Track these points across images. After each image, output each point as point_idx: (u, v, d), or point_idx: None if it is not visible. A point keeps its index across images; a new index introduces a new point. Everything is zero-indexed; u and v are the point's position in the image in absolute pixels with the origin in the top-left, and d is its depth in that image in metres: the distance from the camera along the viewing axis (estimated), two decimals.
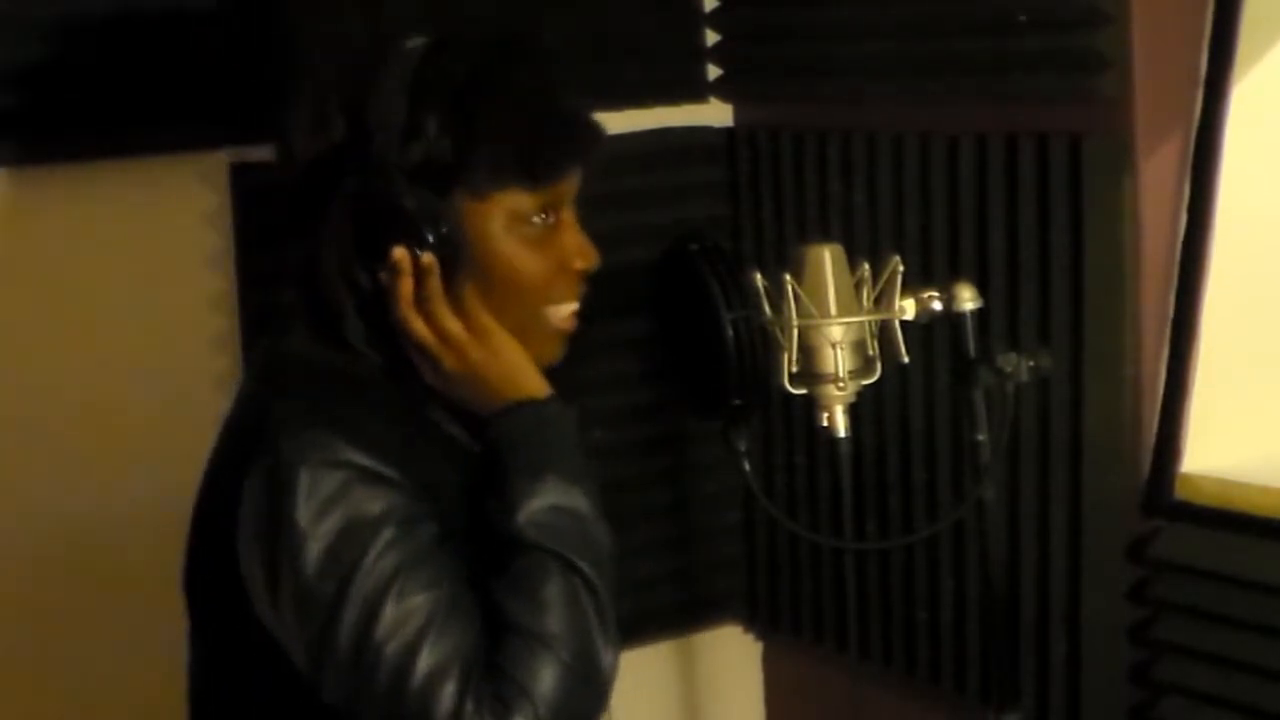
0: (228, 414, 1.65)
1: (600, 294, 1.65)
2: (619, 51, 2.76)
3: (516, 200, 1.57)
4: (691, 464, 2.90)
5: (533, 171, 1.57)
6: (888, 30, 2.56)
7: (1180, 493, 2.28)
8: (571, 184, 1.61)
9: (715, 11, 2.86)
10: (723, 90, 2.89)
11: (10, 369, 2.38)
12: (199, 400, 2.45)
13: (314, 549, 1.47)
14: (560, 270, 1.61)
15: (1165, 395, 2.28)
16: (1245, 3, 2.18)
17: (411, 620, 1.46)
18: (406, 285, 1.54)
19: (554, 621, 1.49)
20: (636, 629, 2.78)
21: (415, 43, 1.57)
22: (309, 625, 1.48)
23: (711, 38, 2.87)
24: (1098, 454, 2.33)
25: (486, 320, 1.58)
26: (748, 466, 1.99)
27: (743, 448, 1.98)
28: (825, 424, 1.94)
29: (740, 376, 1.90)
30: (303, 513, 1.47)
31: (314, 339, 1.60)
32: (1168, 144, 2.25)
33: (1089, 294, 2.30)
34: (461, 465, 1.59)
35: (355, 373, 1.58)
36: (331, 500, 1.47)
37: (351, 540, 1.47)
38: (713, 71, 2.88)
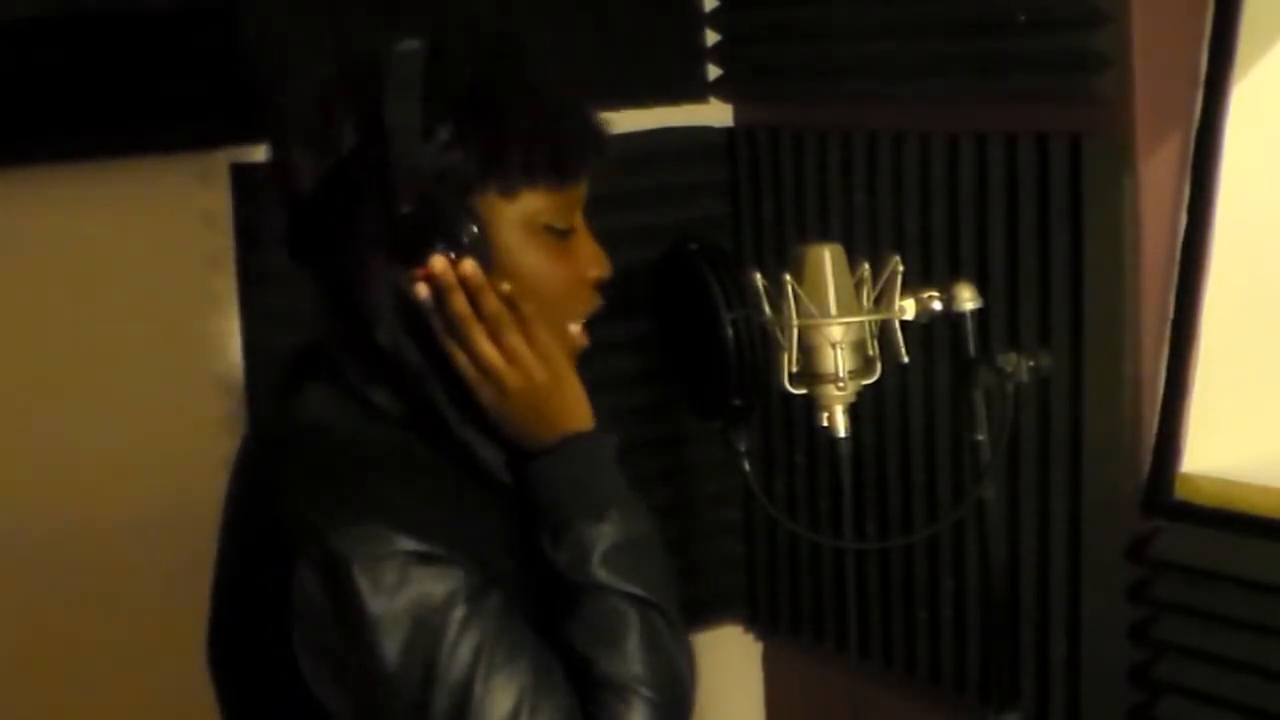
0: (238, 485, 1.59)
1: (600, 294, 1.64)
2: (619, 51, 2.76)
3: (539, 203, 1.50)
4: (691, 464, 2.90)
5: (562, 167, 1.50)
6: (888, 30, 2.56)
7: (1180, 493, 2.28)
8: (585, 187, 1.55)
9: (715, 11, 2.86)
10: (723, 90, 2.89)
11: (10, 369, 2.38)
12: (199, 400, 2.46)
13: (390, 643, 1.42)
14: (579, 281, 1.55)
15: (1165, 395, 2.28)
16: (1245, 3, 2.18)
17: (506, 697, 1.43)
18: (461, 300, 1.46)
19: (642, 665, 1.47)
20: None
21: (411, 45, 1.48)
22: (399, 715, 1.44)
23: (711, 38, 2.87)
24: (1098, 454, 2.33)
25: (548, 340, 1.50)
26: (748, 466, 1.99)
27: (743, 448, 1.98)
28: (825, 424, 1.94)
29: (740, 376, 1.90)
30: (369, 609, 1.41)
31: (336, 396, 1.52)
32: (1168, 144, 2.25)
33: (1089, 294, 2.30)
34: (499, 504, 1.53)
35: (385, 439, 1.51)
36: (394, 591, 1.42)
37: (425, 627, 1.42)
38: (713, 71, 2.88)
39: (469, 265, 1.46)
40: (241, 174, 2.48)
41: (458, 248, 1.46)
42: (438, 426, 1.53)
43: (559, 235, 1.53)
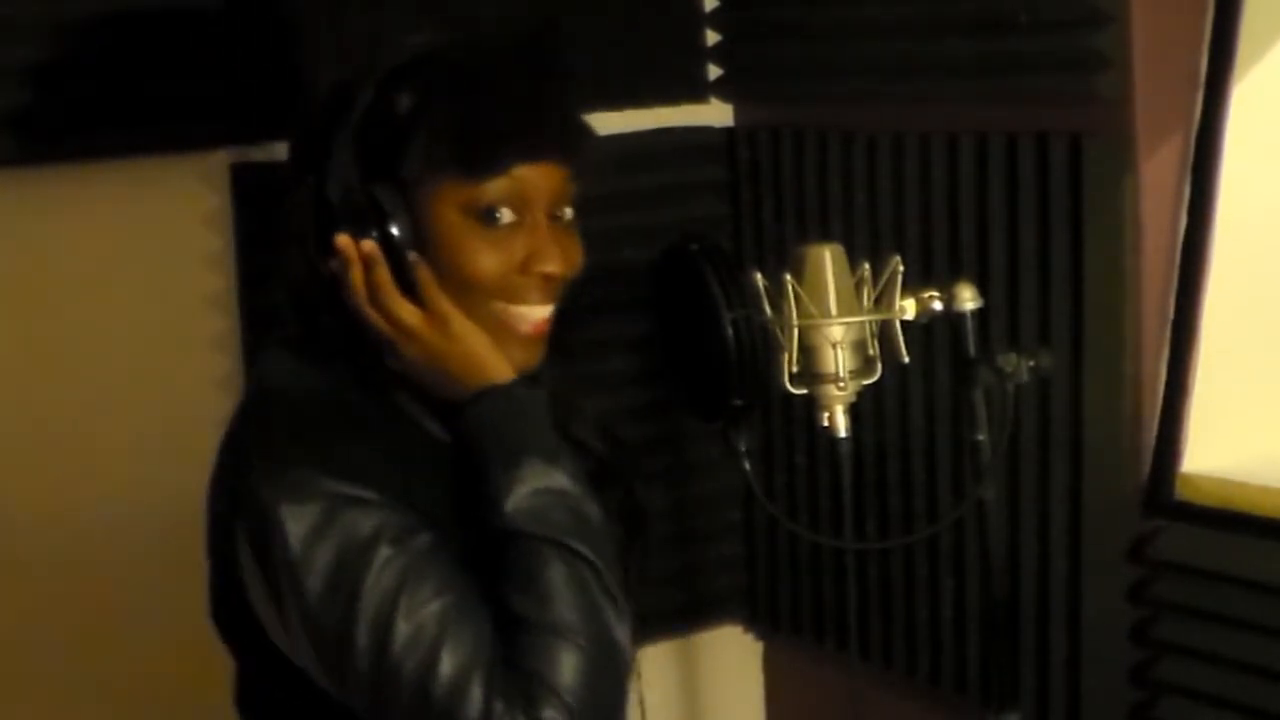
0: (219, 445, 1.65)
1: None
2: (619, 51, 2.76)
3: (465, 191, 1.55)
4: (691, 464, 2.90)
5: (467, 161, 1.55)
6: (888, 30, 2.56)
7: (1180, 493, 2.28)
8: (540, 185, 1.57)
9: (715, 11, 2.86)
10: (723, 90, 2.89)
11: (10, 369, 2.38)
12: (199, 400, 2.45)
13: (313, 581, 1.47)
14: (520, 271, 1.57)
15: (1165, 395, 2.28)
16: (1245, 3, 2.18)
17: (424, 633, 1.45)
18: (356, 274, 1.55)
19: (562, 609, 1.48)
20: (636, 629, 2.77)
21: (417, 39, 1.58)
22: (324, 654, 1.49)
23: (711, 38, 2.87)
24: (1098, 454, 2.33)
25: (445, 306, 1.56)
26: (748, 466, 1.99)
27: (743, 448, 1.98)
28: (825, 424, 1.95)
29: (740, 376, 1.90)
30: (293, 549, 1.47)
31: (292, 358, 1.61)
32: (1168, 144, 2.25)
33: (1089, 294, 2.30)
34: (443, 462, 1.57)
35: (328, 390, 1.58)
36: (318, 531, 1.47)
37: (347, 565, 1.46)
38: (713, 71, 2.88)
39: (366, 244, 1.54)
40: (241, 174, 2.48)
41: (362, 231, 1.55)
42: (387, 394, 1.60)
43: (496, 224, 1.56)
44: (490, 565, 1.51)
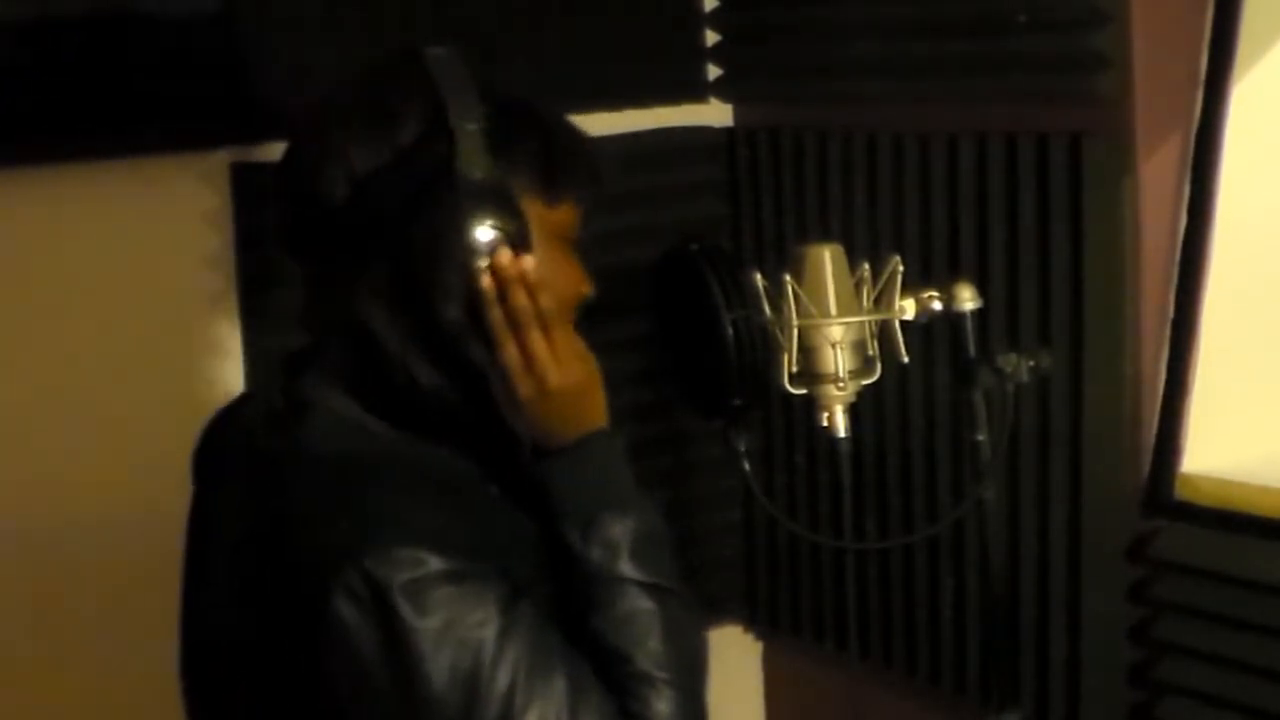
0: (218, 502, 1.60)
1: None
2: (619, 51, 2.76)
3: (569, 215, 1.56)
4: (691, 464, 2.90)
5: (595, 181, 1.57)
6: (888, 30, 2.56)
7: (1180, 493, 2.28)
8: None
9: (715, 11, 2.86)
10: (723, 90, 2.89)
11: (10, 369, 2.38)
12: (199, 400, 2.45)
13: (432, 668, 1.42)
14: (577, 295, 1.59)
15: (1165, 395, 2.28)
16: (1245, 3, 2.18)
17: (547, 704, 1.44)
18: (524, 296, 1.49)
19: (667, 655, 1.50)
20: None
21: (441, 50, 1.53)
22: None
23: (711, 38, 2.87)
24: (1098, 454, 2.33)
25: (581, 342, 1.55)
26: (748, 466, 1.99)
27: (743, 448, 1.98)
28: (825, 424, 1.95)
29: (740, 376, 1.90)
30: (410, 635, 1.42)
31: (350, 403, 1.53)
32: (1168, 144, 2.25)
33: (1089, 294, 2.30)
34: (511, 511, 1.55)
35: (397, 457, 1.52)
36: (434, 613, 1.42)
37: (466, 646, 1.43)
38: (713, 71, 2.88)
39: (529, 262, 1.50)
40: (241, 174, 2.48)
41: (515, 247, 1.49)
42: (451, 438, 1.55)
43: (571, 248, 1.58)
44: (587, 607, 1.50)
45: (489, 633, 1.43)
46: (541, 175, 1.53)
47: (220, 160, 2.48)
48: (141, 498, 2.42)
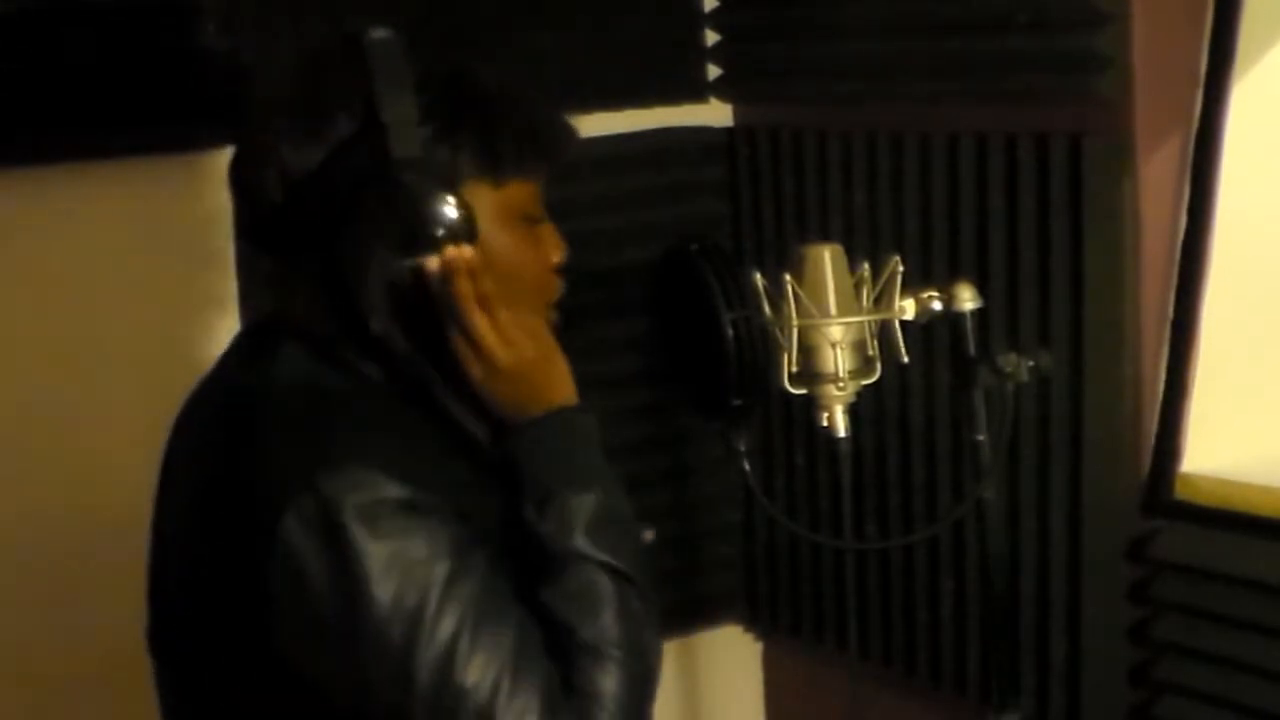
0: (184, 449, 1.62)
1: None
2: (619, 51, 2.76)
3: (522, 193, 1.58)
4: (691, 464, 2.90)
5: (548, 155, 1.58)
6: (888, 30, 2.56)
7: (1180, 493, 2.29)
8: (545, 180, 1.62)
9: (715, 11, 2.86)
10: (723, 90, 2.89)
11: (10, 369, 2.38)
12: None
13: (378, 595, 1.43)
14: (546, 267, 1.61)
15: (1165, 395, 2.28)
16: (1245, 3, 2.18)
17: (491, 656, 1.45)
18: (466, 283, 1.51)
19: (617, 633, 1.49)
20: None
21: (383, 33, 1.53)
22: (382, 674, 1.45)
23: (711, 38, 2.87)
24: (1098, 454, 2.33)
25: (536, 319, 1.57)
26: (748, 466, 1.99)
27: (743, 448, 1.98)
28: (825, 424, 1.95)
29: (740, 376, 1.90)
30: (359, 559, 1.43)
31: (312, 358, 1.55)
32: (1168, 144, 2.25)
33: (1089, 294, 2.30)
34: (484, 469, 1.56)
35: (364, 391, 1.55)
36: (384, 542, 1.43)
37: (412, 581, 1.44)
38: (713, 71, 2.88)
39: (468, 250, 1.51)
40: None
41: (455, 235, 1.50)
42: (423, 397, 1.57)
43: (531, 223, 1.60)
44: (539, 578, 1.50)
45: (439, 572, 1.44)
46: (484, 157, 1.55)
47: (220, 160, 2.47)
48: (141, 497, 2.42)
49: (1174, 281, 2.27)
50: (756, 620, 3.01)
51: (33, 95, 2.31)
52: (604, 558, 1.51)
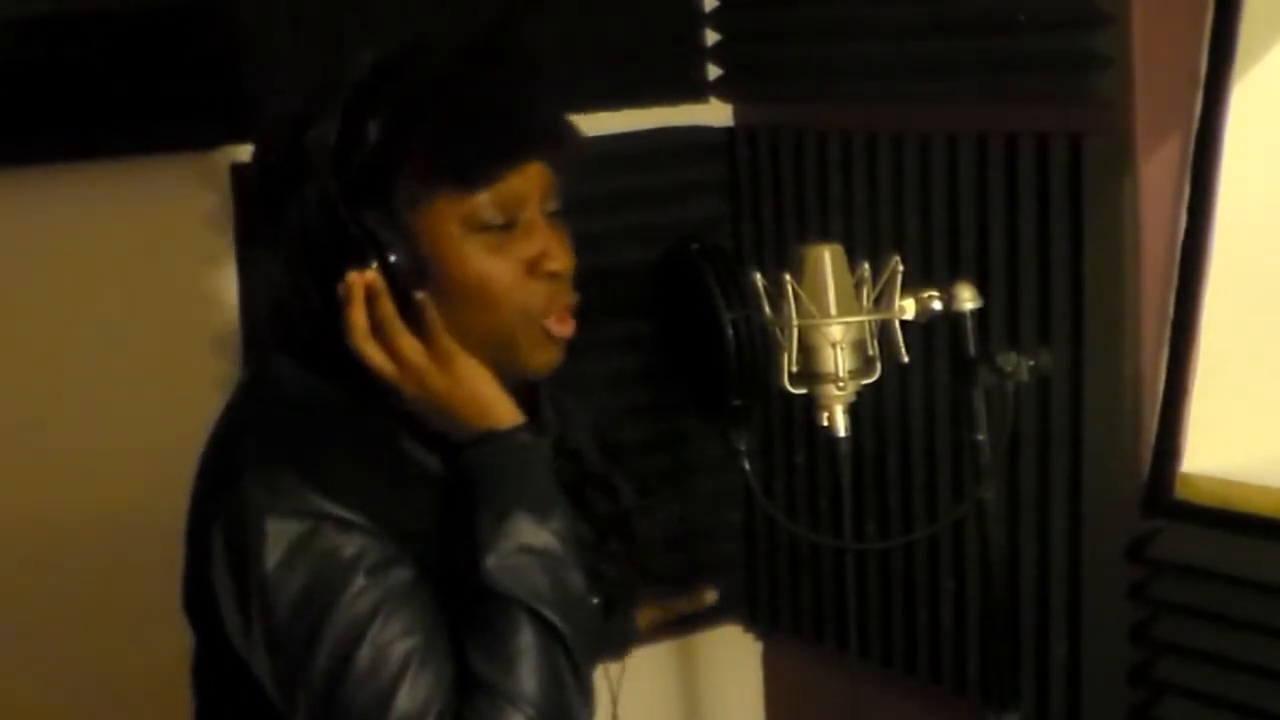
0: (210, 433, 1.63)
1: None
2: (619, 51, 2.76)
3: (461, 205, 1.53)
4: (691, 464, 2.90)
5: (461, 173, 1.52)
6: (888, 30, 2.56)
7: (1180, 493, 2.29)
8: (530, 185, 1.56)
9: (715, 11, 2.86)
10: (723, 90, 2.89)
11: (10, 369, 2.38)
12: (199, 400, 2.44)
13: (284, 595, 1.45)
14: (529, 274, 1.56)
15: (1165, 395, 2.28)
16: (1245, 3, 2.18)
17: (385, 667, 1.44)
18: (357, 313, 1.50)
19: (524, 678, 1.45)
20: (635, 628, 2.77)
21: (368, 56, 1.54)
22: (280, 668, 1.47)
23: (711, 38, 2.87)
24: (1098, 454, 2.33)
25: (448, 344, 1.52)
26: (748, 466, 1.99)
27: (743, 448, 1.98)
28: (825, 424, 1.95)
29: (740, 376, 1.90)
30: (270, 560, 1.45)
31: (294, 365, 1.56)
32: (1168, 144, 2.25)
33: (1089, 294, 2.30)
34: (433, 497, 1.54)
35: (327, 405, 1.54)
36: (297, 548, 1.45)
37: (320, 589, 1.45)
38: (713, 71, 2.88)
39: (369, 275, 1.49)
40: (241, 174, 2.48)
41: (364, 263, 1.49)
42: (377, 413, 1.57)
43: (497, 230, 1.54)
44: (459, 613, 1.48)
45: (350, 580, 1.45)
46: (398, 181, 1.51)
47: (220, 160, 2.48)
48: (141, 496, 2.42)
49: (1174, 281, 2.27)
50: (756, 620, 3.01)
51: (33, 95, 2.31)
52: (517, 593, 1.47)
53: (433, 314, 1.52)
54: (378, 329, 1.51)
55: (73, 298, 2.41)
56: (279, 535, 1.45)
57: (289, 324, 1.56)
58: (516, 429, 1.53)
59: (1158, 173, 2.26)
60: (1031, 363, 2.02)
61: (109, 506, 2.42)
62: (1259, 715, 2.18)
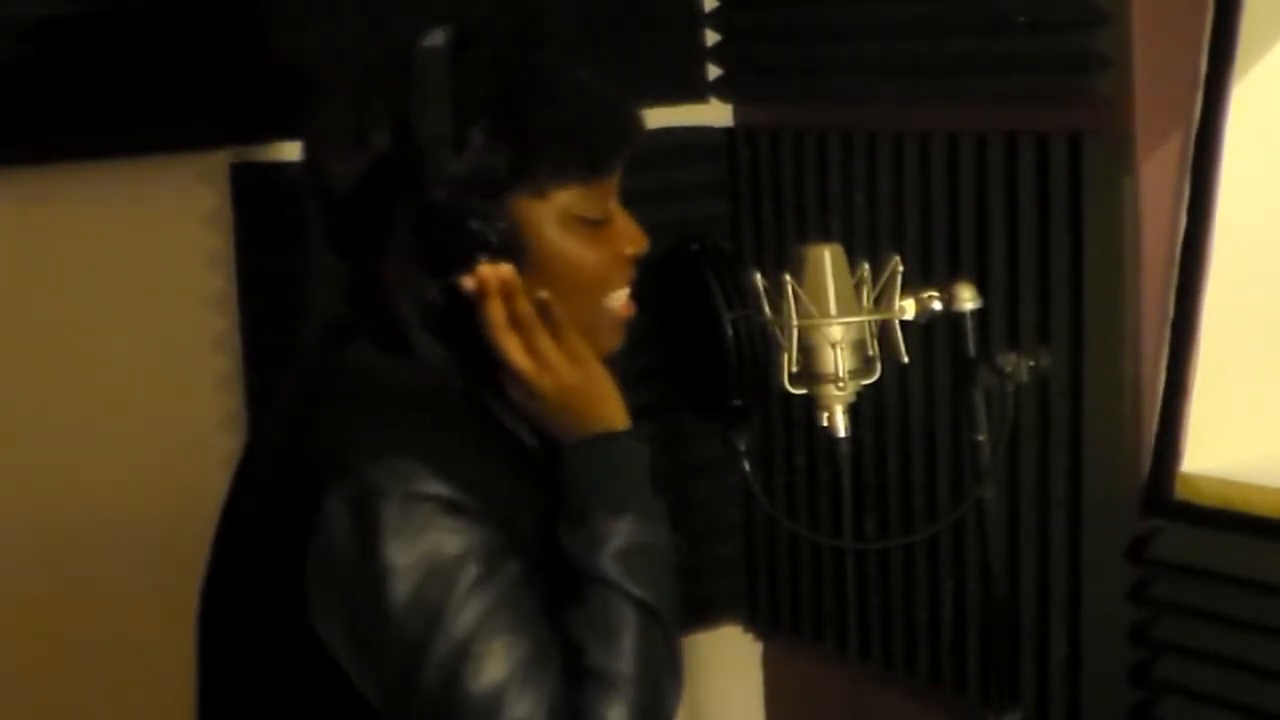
0: (265, 428, 1.62)
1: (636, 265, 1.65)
2: (619, 52, 2.76)
3: (571, 198, 1.55)
4: (691, 464, 2.90)
5: (594, 164, 1.55)
6: (888, 30, 2.56)
7: (1180, 493, 2.28)
8: (618, 172, 1.60)
9: (715, 11, 2.86)
10: (723, 90, 2.89)
11: (10, 369, 2.38)
12: (199, 400, 2.46)
13: (400, 586, 1.44)
14: (615, 259, 1.60)
15: (1165, 395, 2.28)
16: (1245, 3, 2.18)
17: (501, 664, 1.44)
18: (496, 307, 1.51)
19: (631, 666, 1.48)
20: None
21: (435, 39, 1.51)
22: (392, 662, 1.46)
23: (711, 38, 2.87)
24: (1098, 454, 2.33)
25: (578, 342, 1.55)
26: (748, 466, 1.99)
27: (743, 448, 1.98)
28: (825, 424, 1.94)
29: (740, 376, 1.90)
30: (389, 547, 1.44)
31: (383, 355, 1.55)
32: (1168, 144, 2.25)
33: (1089, 294, 2.30)
34: (536, 481, 1.56)
35: (427, 388, 1.54)
36: (418, 535, 1.44)
37: (438, 577, 1.44)
38: (713, 71, 2.88)
39: (505, 270, 1.51)
40: (241, 174, 2.48)
41: (492, 252, 1.50)
42: (482, 404, 1.58)
43: (593, 225, 1.57)
44: (564, 596, 1.50)
45: (464, 572, 1.44)
46: (523, 173, 1.52)
47: (220, 160, 2.48)
48: (140, 496, 2.43)
49: (1174, 281, 2.27)
50: (756, 620, 3.01)
51: (33, 95, 2.31)
52: (629, 588, 1.50)
53: (560, 311, 1.54)
54: (518, 325, 1.52)
55: (73, 297, 2.42)
56: (400, 520, 1.44)
57: (381, 320, 1.55)
58: (630, 431, 1.58)
59: (1158, 173, 2.26)
60: (1031, 363, 2.01)
61: (107, 505, 2.42)
62: (1259, 715, 2.18)
